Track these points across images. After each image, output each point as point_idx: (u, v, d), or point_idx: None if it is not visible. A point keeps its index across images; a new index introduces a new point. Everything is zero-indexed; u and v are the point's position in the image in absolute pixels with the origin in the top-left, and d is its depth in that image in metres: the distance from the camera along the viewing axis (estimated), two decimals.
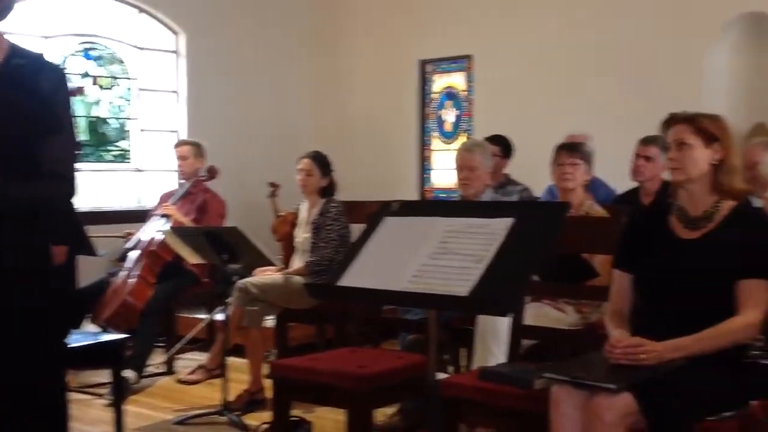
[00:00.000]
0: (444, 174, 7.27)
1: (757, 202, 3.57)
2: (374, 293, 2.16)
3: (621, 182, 5.00)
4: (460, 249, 2.03)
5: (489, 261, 1.95)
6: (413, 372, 3.17)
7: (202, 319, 5.35)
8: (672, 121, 2.66)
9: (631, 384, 2.30)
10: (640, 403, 2.28)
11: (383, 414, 3.99)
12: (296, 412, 3.97)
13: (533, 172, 5.22)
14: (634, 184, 4.80)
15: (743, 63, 5.94)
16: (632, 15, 6.15)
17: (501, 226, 2.02)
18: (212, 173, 5.48)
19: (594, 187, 4.75)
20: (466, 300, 1.93)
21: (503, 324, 3.33)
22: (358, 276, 2.17)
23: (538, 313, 3.63)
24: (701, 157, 2.59)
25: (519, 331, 3.19)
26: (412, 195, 7.39)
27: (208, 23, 7.12)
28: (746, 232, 2.53)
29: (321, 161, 4.83)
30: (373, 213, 2.39)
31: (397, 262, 2.12)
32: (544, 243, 2.02)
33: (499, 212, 2.08)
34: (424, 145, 7.56)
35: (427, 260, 2.07)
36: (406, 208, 2.32)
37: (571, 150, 4.09)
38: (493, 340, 3.56)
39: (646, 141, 4.61)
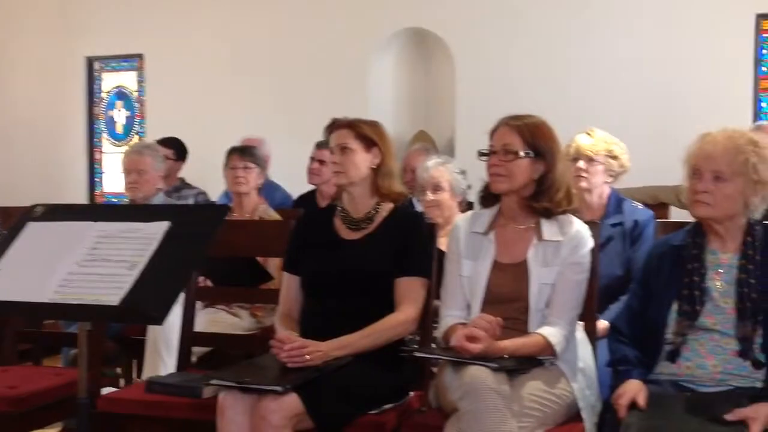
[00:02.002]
0: (116, 178, 6.91)
1: (420, 205, 3.79)
2: (13, 306, 1.95)
3: (300, 186, 5.08)
4: (111, 255, 1.91)
5: (143, 267, 1.85)
6: (73, 389, 2.94)
7: None
8: (334, 126, 2.75)
9: (296, 385, 2.33)
10: (305, 402, 2.32)
11: None
12: None
13: (210, 176, 5.13)
14: (312, 187, 4.91)
15: (407, 74, 6.36)
16: (301, 20, 6.26)
17: (156, 230, 1.93)
18: None
19: (270, 190, 4.79)
20: (118, 309, 1.81)
21: (175, 332, 3.21)
22: None
23: (213, 319, 3.58)
24: (362, 161, 2.69)
25: (190, 338, 3.09)
26: (82, 199, 6.97)
27: None
28: (403, 232, 2.67)
29: None
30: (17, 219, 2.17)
31: (42, 270, 1.94)
32: (200, 247, 1.95)
33: (155, 216, 1.99)
34: (93, 147, 7.15)
35: (76, 268, 1.92)
36: (53, 212, 2.13)
37: (244, 153, 4.10)
38: (165, 350, 3.44)
39: (320, 145, 4.73)
